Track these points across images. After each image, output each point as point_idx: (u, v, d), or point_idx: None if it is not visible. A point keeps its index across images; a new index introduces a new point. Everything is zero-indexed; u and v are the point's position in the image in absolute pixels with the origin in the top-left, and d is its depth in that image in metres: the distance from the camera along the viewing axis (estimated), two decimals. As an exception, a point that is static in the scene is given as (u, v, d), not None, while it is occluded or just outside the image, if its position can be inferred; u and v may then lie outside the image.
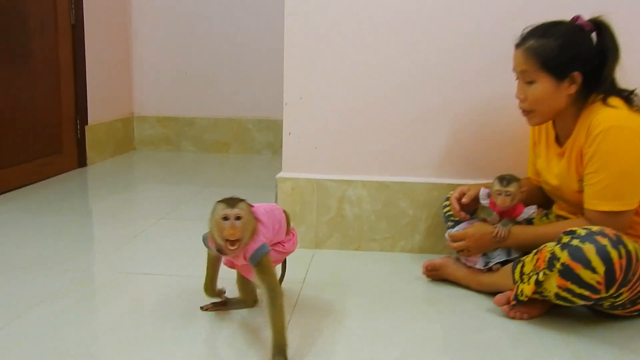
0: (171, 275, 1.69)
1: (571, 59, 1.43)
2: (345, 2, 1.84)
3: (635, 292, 1.35)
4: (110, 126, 3.51)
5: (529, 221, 1.61)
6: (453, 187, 1.75)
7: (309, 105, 1.90)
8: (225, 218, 1.20)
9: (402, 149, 1.90)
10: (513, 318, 1.44)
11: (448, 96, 1.86)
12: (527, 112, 1.52)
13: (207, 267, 1.40)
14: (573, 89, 1.45)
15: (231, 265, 1.39)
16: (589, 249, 1.27)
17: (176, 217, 2.28)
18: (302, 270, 1.75)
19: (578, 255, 1.27)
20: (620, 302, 1.36)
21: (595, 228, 1.31)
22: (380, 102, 1.88)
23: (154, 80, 3.76)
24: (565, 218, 1.59)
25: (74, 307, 1.46)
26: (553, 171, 1.56)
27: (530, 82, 1.47)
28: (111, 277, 1.66)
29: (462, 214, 1.64)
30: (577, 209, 1.52)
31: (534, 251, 1.42)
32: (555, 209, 1.66)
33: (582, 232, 1.31)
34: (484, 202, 1.61)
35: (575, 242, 1.29)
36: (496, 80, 1.80)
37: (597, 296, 1.29)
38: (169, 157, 3.62)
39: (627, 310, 1.41)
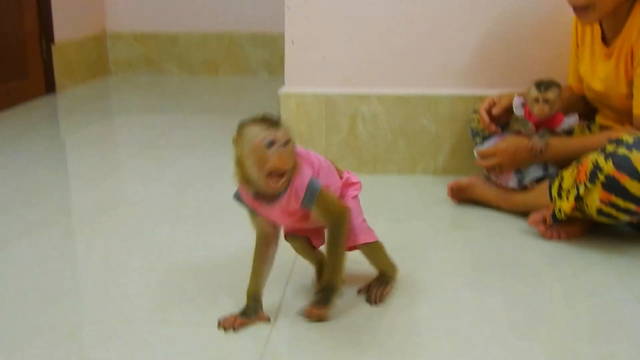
0: (159, 204, 1.75)
1: None
2: None
3: None
4: (81, 45, 3.51)
5: (568, 133, 1.65)
6: (482, 98, 1.78)
7: (315, 9, 1.91)
8: (271, 143, 1.01)
9: (422, 56, 1.92)
10: (550, 239, 1.51)
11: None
12: (583, 8, 1.50)
13: (255, 253, 1.16)
14: None
15: (276, 221, 1.16)
16: (637, 158, 1.32)
17: (160, 145, 2.33)
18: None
19: (625, 164, 1.32)
20: None
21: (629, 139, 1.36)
22: (399, 4, 1.89)
23: (128, -9, 3.74)
24: (609, 128, 1.63)
25: (59, 240, 1.53)
26: (599, 75, 1.59)
27: None
28: (96, 208, 1.73)
29: (493, 127, 1.69)
30: (625, 117, 1.56)
31: (574, 163, 1.47)
32: (600, 119, 1.70)
33: (630, 139, 1.35)
34: (519, 111, 1.64)
35: (621, 150, 1.34)
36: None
37: (644, 210, 1.35)
38: (149, 81, 3.64)
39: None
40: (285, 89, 1.98)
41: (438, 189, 1.82)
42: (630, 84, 1.51)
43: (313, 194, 1.08)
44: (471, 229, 1.61)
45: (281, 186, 1.04)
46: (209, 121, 2.71)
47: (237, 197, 1.12)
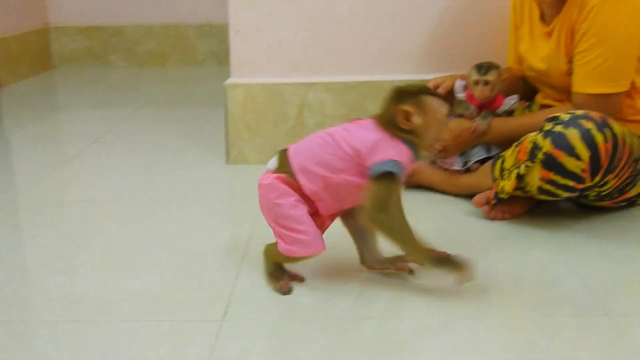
0: (109, 200, 1.72)
1: None
2: None
3: (622, 179, 1.45)
4: (22, 40, 3.40)
5: (509, 113, 1.68)
6: (425, 82, 1.79)
7: (258, -2, 1.90)
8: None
9: (367, 43, 1.93)
10: (494, 219, 1.53)
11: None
12: None
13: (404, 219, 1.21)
14: None
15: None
16: (573, 135, 1.35)
17: (109, 140, 2.29)
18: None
19: (561, 142, 1.35)
20: (606, 192, 1.46)
21: (579, 112, 1.39)
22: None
23: (70, -17, 3.64)
24: (549, 106, 1.66)
25: (6, 238, 1.49)
26: (539, 54, 1.62)
27: None
28: (43, 205, 1.69)
29: None
30: (565, 95, 1.59)
31: (515, 144, 1.50)
32: (540, 99, 1.73)
33: (566, 117, 1.38)
34: (460, 95, 1.67)
35: (558, 128, 1.37)
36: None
37: (582, 186, 1.39)
38: (96, 74, 3.56)
39: (614, 201, 1.51)
40: (231, 80, 1.96)
41: (386, 173, 1.83)
42: (570, 61, 1.54)
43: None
44: (419, 213, 1.60)
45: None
46: (158, 114, 2.66)
47: (398, 166, 1.12)
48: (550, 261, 1.34)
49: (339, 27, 1.92)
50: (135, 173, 1.93)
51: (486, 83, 1.60)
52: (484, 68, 1.60)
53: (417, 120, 1.13)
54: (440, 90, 1.70)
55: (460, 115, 1.67)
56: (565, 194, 1.42)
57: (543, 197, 1.46)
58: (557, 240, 1.43)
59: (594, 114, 1.39)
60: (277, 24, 1.91)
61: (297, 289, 1.22)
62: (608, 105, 1.50)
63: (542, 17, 1.62)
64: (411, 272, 1.25)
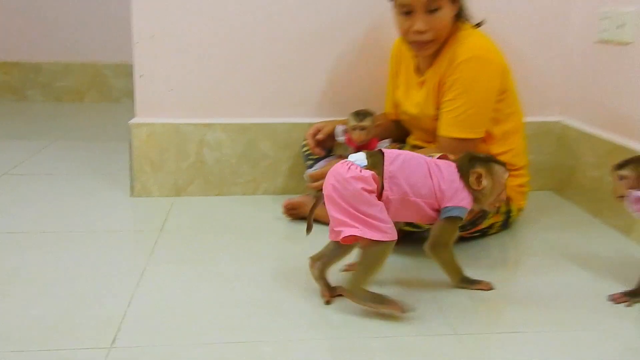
0: (11, 232, 1.71)
1: None
2: None
3: (474, 213, 1.57)
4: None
5: (384, 155, 1.79)
6: (311, 125, 1.89)
7: (161, 44, 1.95)
8: None
9: (261, 89, 2.01)
10: (367, 248, 1.63)
11: (307, 34, 1.99)
12: (426, 43, 1.62)
13: None
14: (456, 8, 1.63)
15: None
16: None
17: (23, 173, 2.26)
18: (160, 218, 1.83)
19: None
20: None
21: (436, 155, 1.51)
22: (239, 42, 1.97)
23: (-12, 21, 3.57)
24: (419, 147, 1.80)
25: None
26: (413, 100, 1.75)
27: (435, 10, 1.58)
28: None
29: (318, 150, 1.80)
30: (432, 137, 1.72)
31: (384, 182, 1.60)
32: (411, 140, 1.87)
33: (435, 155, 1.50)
34: (341, 138, 1.77)
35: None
36: (356, 22, 1.97)
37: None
38: (13, 108, 3.48)
39: (468, 232, 1.64)
40: (135, 120, 1.99)
41: (277, 207, 1.89)
42: (438, 108, 1.67)
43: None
44: (302, 242, 1.69)
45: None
46: (71, 147, 2.64)
47: (464, 213, 1.31)
48: (409, 284, 1.43)
49: (236, 73, 1.99)
50: (41, 205, 1.92)
51: (362, 128, 1.70)
52: (360, 115, 1.71)
53: (485, 183, 1.31)
54: (321, 135, 1.80)
55: (341, 157, 1.76)
56: (427, 226, 1.53)
57: (408, 228, 1.56)
58: (417, 266, 1.53)
59: (450, 157, 1.51)
60: (178, 69, 1.97)
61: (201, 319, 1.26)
62: (466, 148, 1.62)
63: (417, 69, 1.76)
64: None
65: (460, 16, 1.67)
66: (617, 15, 1.78)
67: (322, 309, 1.31)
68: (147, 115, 1.99)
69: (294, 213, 1.83)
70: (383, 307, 1.25)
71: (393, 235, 1.24)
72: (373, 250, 1.24)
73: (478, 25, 1.71)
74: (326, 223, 1.75)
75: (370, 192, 1.23)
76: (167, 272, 1.48)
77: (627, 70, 1.76)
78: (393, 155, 1.28)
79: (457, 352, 1.16)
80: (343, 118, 1.82)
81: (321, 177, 1.72)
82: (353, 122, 1.71)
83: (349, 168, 1.24)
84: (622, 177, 1.33)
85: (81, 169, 2.29)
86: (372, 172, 1.24)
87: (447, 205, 1.29)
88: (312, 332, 1.22)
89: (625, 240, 1.71)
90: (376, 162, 1.27)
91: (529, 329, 1.25)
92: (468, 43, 1.61)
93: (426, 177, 1.28)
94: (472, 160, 1.33)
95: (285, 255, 1.61)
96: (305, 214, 1.80)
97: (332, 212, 1.25)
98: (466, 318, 1.29)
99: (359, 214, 1.22)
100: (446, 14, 1.60)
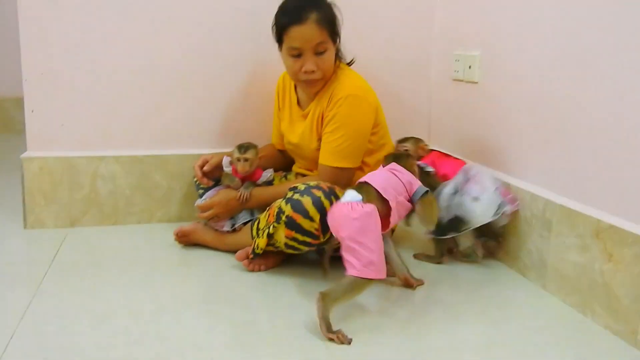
0: None
1: (337, 23, 1.68)
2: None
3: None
4: None
5: (269, 183, 1.81)
6: (200, 157, 1.87)
7: (52, 81, 1.89)
8: None
9: (152, 123, 1.99)
10: (252, 270, 1.63)
11: (193, 71, 1.99)
12: (316, 81, 1.68)
13: None
14: (336, 49, 1.70)
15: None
16: (307, 201, 1.50)
17: None
18: (52, 250, 1.74)
19: (298, 207, 1.50)
20: (338, 246, 1.62)
21: (312, 183, 1.55)
22: (128, 76, 1.94)
23: None
24: (303, 175, 1.83)
25: None
26: (296, 132, 1.79)
27: (323, 52, 1.64)
28: None
29: (205, 180, 1.80)
30: (314, 165, 1.77)
31: (267, 208, 1.62)
32: (295, 168, 1.90)
33: (302, 187, 1.53)
34: (227, 169, 1.77)
35: (296, 196, 1.52)
36: (242, 60, 1.99)
37: (317, 242, 1.54)
38: None
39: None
40: (27, 154, 1.91)
41: (170, 234, 1.85)
42: (319, 140, 1.72)
43: None
44: (193, 267, 1.68)
45: None
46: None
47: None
48: (297, 305, 1.45)
49: (126, 108, 1.96)
50: None
51: (246, 160, 1.71)
52: (243, 148, 1.72)
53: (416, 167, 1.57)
54: (207, 167, 1.80)
55: (228, 186, 1.76)
56: (306, 248, 1.56)
57: (290, 251, 1.58)
58: (304, 286, 1.55)
59: (324, 185, 1.55)
60: (69, 105, 1.92)
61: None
62: (343, 176, 1.69)
63: (299, 103, 1.80)
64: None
65: (337, 55, 1.73)
66: (466, 58, 1.91)
67: (207, 334, 1.29)
68: (39, 149, 1.92)
69: (186, 240, 1.81)
70: (330, 334, 1.26)
71: (383, 273, 1.33)
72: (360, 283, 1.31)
73: (350, 63, 1.78)
74: (213, 248, 1.76)
75: (380, 218, 1.36)
76: (52, 306, 1.41)
77: (476, 105, 1.88)
78: (369, 178, 1.42)
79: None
80: (230, 150, 1.82)
81: (209, 207, 1.73)
82: (237, 154, 1.72)
83: (352, 208, 1.32)
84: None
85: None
86: (371, 203, 1.35)
87: (415, 189, 1.46)
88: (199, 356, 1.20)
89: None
90: (368, 193, 1.38)
91: None
92: (346, 82, 1.68)
93: (395, 179, 1.45)
94: (400, 158, 1.53)
95: (175, 283, 1.58)
96: (196, 240, 1.80)
97: (360, 252, 1.30)
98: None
99: (357, 246, 1.30)
100: (331, 55, 1.67)
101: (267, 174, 1.78)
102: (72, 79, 1.89)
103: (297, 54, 1.64)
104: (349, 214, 1.32)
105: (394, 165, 1.51)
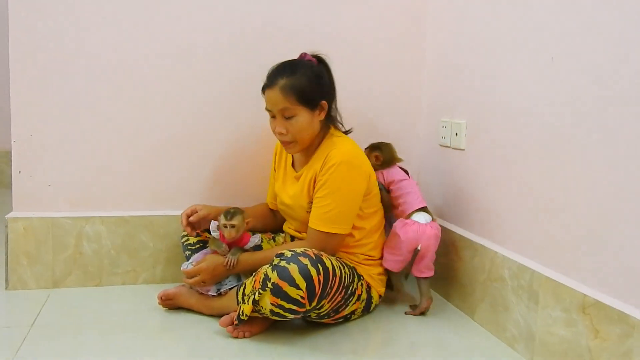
0: None
1: (318, 89, 1.68)
2: (72, 42, 1.86)
3: (335, 302, 1.59)
4: None
5: (257, 247, 1.78)
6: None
7: (40, 143, 1.87)
8: None
9: (140, 183, 1.96)
10: (236, 337, 1.58)
11: (182, 132, 1.98)
12: (289, 143, 1.69)
13: None
14: (322, 115, 1.70)
15: None
16: (293, 269, 1.47)
17: None
18: (33, 312, 1.69)
19: (285, 274, 1.47)
20: (324, 312, 1.59)
21: (299, 250, 1.52)
22: (116, 138, 1.93)
23: None
24: (293, 235, 1.82)
25: None
26: (288, 192, 1.78)
27: (291, 117, 1.65)
28: None
29: (189, 229, 1.77)
30: (304, 227, 1.74)
31: (254, 274, 1.59)
32: (286, 227, 1.88)
33: (289, 254, 1.51)
34: (215, 233, 1.74)
35: (282, 263, 1.49)
36: (237, 119, 1.99)
37: (303, 309, 1.50)
38: None
39: (332, 318, 1.65)
40: (13, 214, 1.87)
41: (155, 297, 1.80)
42: (310, 202, 1.70)
43: None
44: (177, 332, 1.63)
45: None
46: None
47: None
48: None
49: (111, 170, 1.94)
50: None
51: (232, 226, 1.68)
52: (229, 214, 1.69)
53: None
54: (195, 217, 1.78)
55: (215, 251, 1.73)
56: (292, 316, 1.52)
57: (275, 317, 1.54)
58: (290, 352, 1.51)
59: (310, 252, 1.52)
60: (56, 166, 1.89)
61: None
62: (332, 241, 1.67)
63: (293, 165, 1.80)
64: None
65: (332, 122, 1.75)
66: (452, 125, 1.93)
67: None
68: (24, 210, 1.88)
69: (170, 303, 1.76)
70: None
71: None
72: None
73: (347, 132, 1.79)
74: (198, 312, 1.71)
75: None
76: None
77: (463, 172, 1.88)
78: (420, 199, 1.81)
79: None
80: (226, 205, 1.81)
81: (195, 274, 1.69)
82: (223, 221, 1.69)
83: (436, 228, 1.75)
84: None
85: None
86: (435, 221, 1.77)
87: None
88: None
89: (471, 323, 1.78)
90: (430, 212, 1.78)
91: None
92: (340, 148, 1.67)
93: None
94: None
95: (156, 348, 1.52)
96: (181, 304, 1.76)
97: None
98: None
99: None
100: (303, 120, 1.66)
101: (255, 238, 1.75)
102: (60, 142, 1.88)
103: (272, 115, 1.69)
104: (438, 233, 1.75)
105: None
